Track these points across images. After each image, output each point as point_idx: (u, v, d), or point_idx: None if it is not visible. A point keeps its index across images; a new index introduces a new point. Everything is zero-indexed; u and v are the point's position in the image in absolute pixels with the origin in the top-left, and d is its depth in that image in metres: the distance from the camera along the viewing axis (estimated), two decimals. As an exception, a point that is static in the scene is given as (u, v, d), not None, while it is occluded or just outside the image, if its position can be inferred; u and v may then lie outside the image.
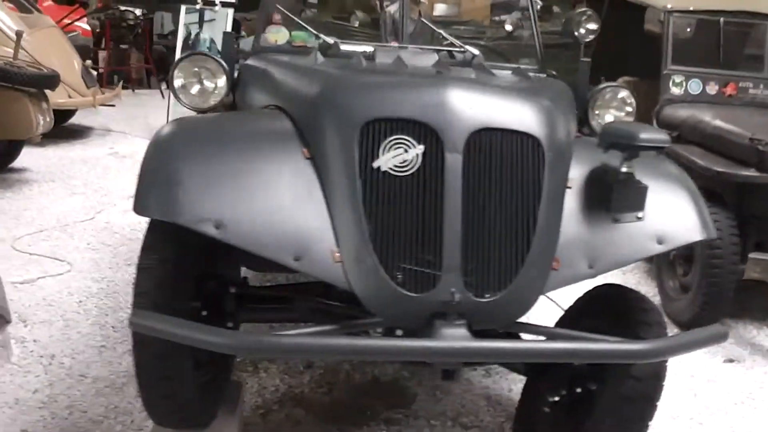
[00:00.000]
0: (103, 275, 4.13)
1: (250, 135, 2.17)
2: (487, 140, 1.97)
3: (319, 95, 2.17)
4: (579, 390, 2.35)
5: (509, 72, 2.86)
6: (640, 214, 2.10)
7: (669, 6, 4.70)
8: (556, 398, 2.43)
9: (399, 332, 2.03)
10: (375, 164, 1.94)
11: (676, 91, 4.61)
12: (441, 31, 3.13)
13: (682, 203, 2.20)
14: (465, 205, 1.93)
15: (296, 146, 2.08)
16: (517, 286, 1.95)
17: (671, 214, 2.17)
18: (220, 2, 7.71)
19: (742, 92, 4.70)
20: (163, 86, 9.76)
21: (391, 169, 1.94)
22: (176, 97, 2.83)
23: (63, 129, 7.46)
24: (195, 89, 2.81)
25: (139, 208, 1.96)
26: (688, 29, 4.85)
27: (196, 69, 2.80)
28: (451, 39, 3.06)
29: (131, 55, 10.97)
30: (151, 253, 2.08)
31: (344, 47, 2.91)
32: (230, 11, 7.70)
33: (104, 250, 4.53)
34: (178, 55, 7.83)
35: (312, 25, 3.02)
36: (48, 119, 5.76)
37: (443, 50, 2.99)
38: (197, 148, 2.04)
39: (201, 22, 7.82)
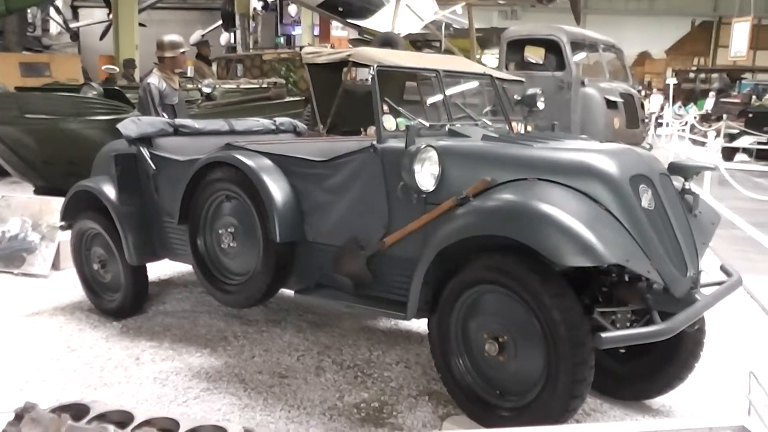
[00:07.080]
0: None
1: (576, 198, 2.93)
2: (662, 181, 3.27)
3: (589, 167, 3.03)
4: None
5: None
6: (700, 210, 3.64)
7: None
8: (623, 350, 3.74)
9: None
10: (642, 204, 3.04)
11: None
12: (468, 111, 4.15)
13: (705, 202, 3.79)
14: (676, 220, 3.18)
15: (592, 201, 2.97)
16: (700, 262, 3.30)
17: (704, 208, 3.73)
18: None
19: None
20: None
21: (647, 206, 3.06)
22: (417, 185, 3.16)
23: None
24: (428, 175, 3.19)
25: (575, 259, 2.68)
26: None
27: (424, 157, 3.18)
28: (470, 113, 4.12)
29: None
30: (559, 298, 2.77)
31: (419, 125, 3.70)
32: None
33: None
34: None
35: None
36: None
37: (477, 121, 4.05)
38: (575, 215, 2.79)
39: None
